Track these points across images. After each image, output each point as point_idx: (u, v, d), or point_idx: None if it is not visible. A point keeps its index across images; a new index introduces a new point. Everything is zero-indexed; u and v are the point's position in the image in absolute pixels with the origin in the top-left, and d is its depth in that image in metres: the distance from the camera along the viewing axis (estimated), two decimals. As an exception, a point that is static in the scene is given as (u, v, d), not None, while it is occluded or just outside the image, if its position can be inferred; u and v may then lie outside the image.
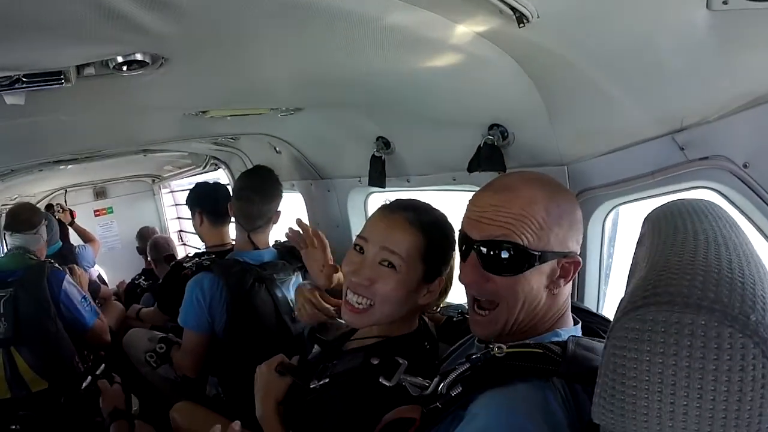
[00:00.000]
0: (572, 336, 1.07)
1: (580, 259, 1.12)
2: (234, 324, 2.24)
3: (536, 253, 1.07)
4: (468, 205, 1.16)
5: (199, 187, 2.87)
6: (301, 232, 2.02)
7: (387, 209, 1.40)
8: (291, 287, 2.35)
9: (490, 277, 1.10)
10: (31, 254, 2.91)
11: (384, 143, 2.04)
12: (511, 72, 1.29)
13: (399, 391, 1.20)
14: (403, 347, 1.37)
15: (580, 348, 0.99)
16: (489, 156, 1.57)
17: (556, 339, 1.07)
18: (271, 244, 2.51)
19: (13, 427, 1.12)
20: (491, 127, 1.57)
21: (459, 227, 1.16)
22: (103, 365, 2.22)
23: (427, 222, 1.36)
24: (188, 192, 2.82)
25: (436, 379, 1.12)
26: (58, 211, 4.28)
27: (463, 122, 1.63)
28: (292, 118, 2.13)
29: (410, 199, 1.43)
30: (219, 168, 4.09)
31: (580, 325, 1.19)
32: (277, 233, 2.58)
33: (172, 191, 5.72)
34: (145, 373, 2.74)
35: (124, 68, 1.16)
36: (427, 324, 1.54)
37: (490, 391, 0.95)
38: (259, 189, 2.38)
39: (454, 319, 1.62)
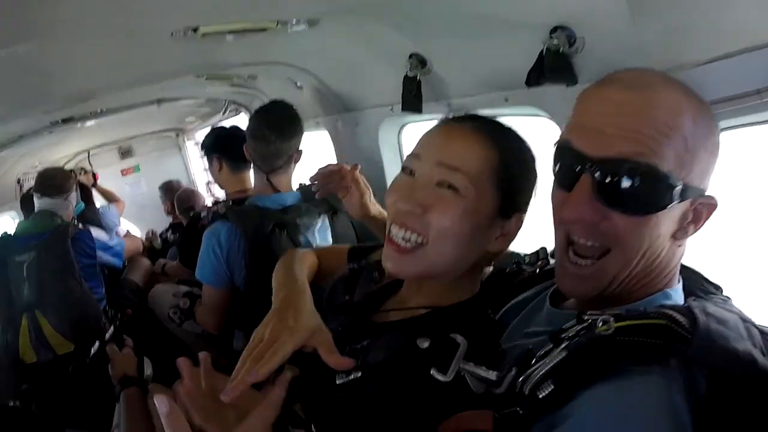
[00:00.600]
0: (693, 300, 0.81)
1: (716, 200, 0.83)
2: (254, 275, 2.07)
3: (678, 185, 0.78)
4: (577, 107, 0.85)
5: (215, 131, 2.73)
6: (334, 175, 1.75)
7: (446, 121, 1.09)
8: (316, 233, 2.16)
9: (608, 215, 0.80)
10: (58, 217, 2.97)
11: (419, 61, 1.75)
12: None
13: (457, 382, 0.89)
14: (461, 319, 1.04)
15: (712, 320, 0.70)
16: (554, 65, 1.25)
17: (668, 302, 0.82)
18: (294, 188, 2.28)
19: (12, 403, 0.97)
20: (554, 30, 1.25)
21: (558, 138, 0.85)
22: (112, 328, 2.08)
23: (501, 134, 1.05)
24: (203, 138, 2.69)
25: (511, 373, 0.82)
26: (80, 174, 4.22)
27: (517, 24, 1.34)
28: (308, 37, 1.86)
29: (476, 113, 1.11)
30: (240, 112, 3.95)
31: (681, 283, 0.91)
32: (300, 175, 2.36)
33: (197, 143, 5.59)
34: (171, 329, 2.64)
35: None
36: (482, 288, 1.19)
37: (597, 387, 0.69)
38: (275, 126, 2.16)
39: (508, 270, 1.24)
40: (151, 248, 4.01)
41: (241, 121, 3.95)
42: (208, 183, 5.26)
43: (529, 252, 1.22)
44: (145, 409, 1.63)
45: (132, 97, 3.13)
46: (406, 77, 1.77)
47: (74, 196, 3.17)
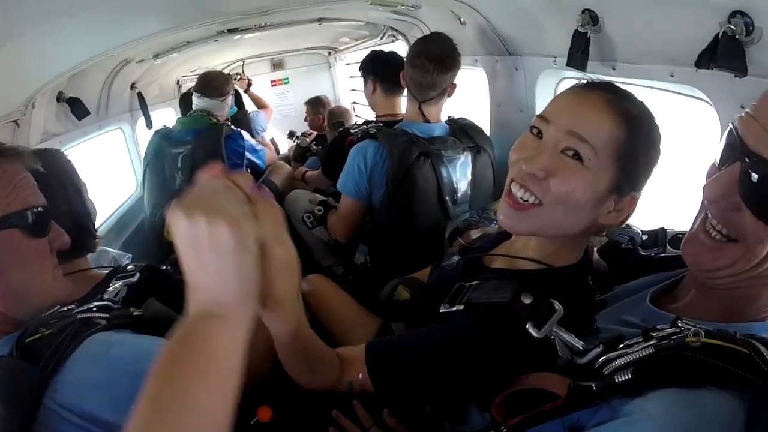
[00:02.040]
0: None
1: None
2: (393, 196, 2.27)
3: None
4: (759, 101, 0.84)
5: (375, 53, 2.89)
6: None
7: (580, 87, 1.12)
8: (458, 167, 2.30)
9: (740, 208, 0.83)
10: (213, 117, 3.26)
11: (591, 17, 1.76)
12: None
13: (544, 344, 0.99)
14: (563, 284, 1.13)
15: None
16: (728, 51, 1.24)
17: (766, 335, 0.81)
18: (444, 120, 2.38)
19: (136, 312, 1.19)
20: (733, 14, 1.23)
21: (736, 119, 0.86)
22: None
23: (633, 112, 1.07)
24: (362, 59, 2.84)
25: (597, 350, 0.90)
26: (236, 79, 4.61)
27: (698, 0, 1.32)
28: None
29: (612, 83, 1.14)
30: (397, 40, 4.03)
31: None
32: (451, 107, 2.46)
33: (347, 64, 5.86)
34: (301, 232, 2.89)
35: None
36: (589, 250, 1.26)
37: (671, 391, 0.73)
38: (434, 56, 2.29)
39: (623, 246, 1.30)
40: (297, 147, 4.29)
41: (397, 48, 4.03)
42: (353, 103, 5.48)
43: (648, 229, 1.27)
44: None
45: (296, 15, 3.31)
46: (576, 32, 1.80)
47: (230, 99, 3.48)
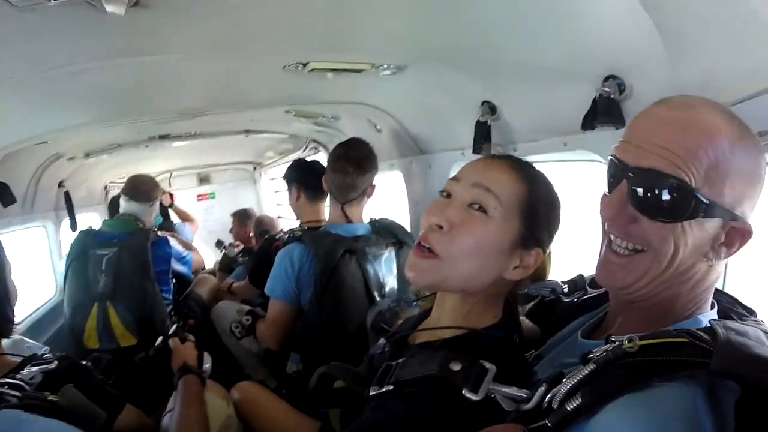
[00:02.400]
0: (712, 320, 0.87)
1: (752, 227, 0.92)
2: (321, 296, 2.25)
3: (705, 201, 0.88)
4: (629, 126, 0.99)
5: (298, 162, 2.99)
6: None
7: (486, 156, 1.27)
8: (383, 263, 2.33)
9: (637, 218, 0.93)
10: (140, 221, 3.23)
11: (490, 108, 1.97)
12: (625, 3, 1.17)
13: (487, 404, 0.98)
14: (489, 345, 1.13)
15: (732, 332, 0.77)
16: (606, 109, 1.43)
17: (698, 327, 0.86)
18: (366, 221, 2.46)
19: (51, 397, 1.14)
20: (606, 78, 1.43)
21: (611, 152, 0.99)
22: (175, 326, 2.23)
23: (533, 173, 1.17)
24: (286, 168, 2.92)
25: (541, 389, 0.89)
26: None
27: (576, 74, 1.52)
28: (394, 81, 2.13)
29: (515, 157, 1.25)
30: (319, 152, 4.23)
31: (716, 308, 1.00)
32: (371, 209, 2.57)
33: (272, 178, 6.02)
34: (230, 345, 2.80)
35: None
36: (513, 309, 1.27)
37: (624, 398, 0.74)
38: (353, 159, 2.39)
39: (546, 299, 1.36)
40: (224, 257, 4.27)
41: (320, 158, 4.21)
42: (279, 217, 5.54)
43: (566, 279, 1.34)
44: (201, 397, 1.75)
45: (225, 125, 3.44)
46: (478, 122, 1.98)
47: (157, 205, 3.44)
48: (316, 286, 2.24)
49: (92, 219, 4.30)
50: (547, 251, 1.20)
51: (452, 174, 2.41)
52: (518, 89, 1.82)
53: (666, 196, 0.88)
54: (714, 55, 1.14)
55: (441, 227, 1.11)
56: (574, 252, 1.57)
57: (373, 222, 2.55)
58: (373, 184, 2.48)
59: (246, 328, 2.54)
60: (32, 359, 1.36)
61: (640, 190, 0.91)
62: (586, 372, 0.81)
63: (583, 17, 1.32)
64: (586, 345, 1.02)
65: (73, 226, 3.65)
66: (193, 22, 1.41)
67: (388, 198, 3.17)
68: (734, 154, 0.88)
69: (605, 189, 1.00)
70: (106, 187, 4.76)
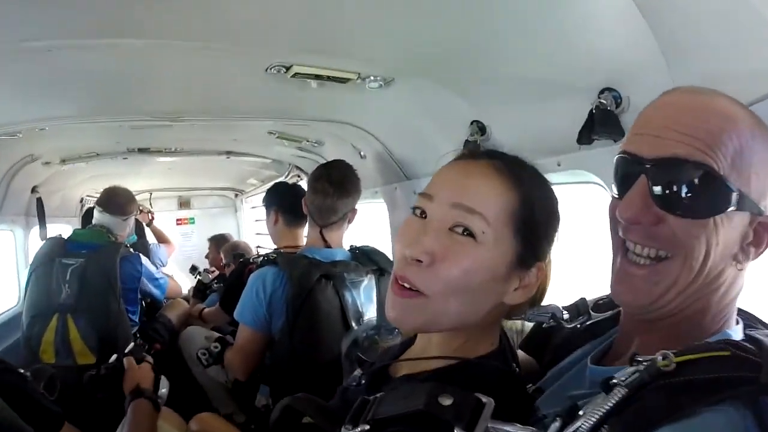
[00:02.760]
0: (748, 331, 0.79)
1: None
2: (294, 322, 2.12)
3: (734, 190, 0.77)
4: (636, 121, 0.86)
5: (278, 184, 2.98)
6: None
7: (464, 156, 1.03)
8: (362, 290, 2.22)
9: (662, 217, 0.80)
10: (112, 235, 3.14)
11: (479, 128, 1.89)
12: (620, 10, 1.10)
13: None
14: (485, 375, 0.98)
15: None
16: (603, 121, 1.32)
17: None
18: (346, 248, 2.37)
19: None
20: (602, 91, 1.35)
21: (620, 150, 0.87)
22: (132, 344, 2.06)
23: (522, 172, 0.98)
24: (268, 191, 2.85)
25: (555, 425, 0.75)
26: (140, 211, 4.45)
27: (568, 88, 1.45)
28: (379, 100, 2.07)
29: (496, 150, 1.06)
30: (301, 180, 4.14)
31: (742, 323, 0.87)
32: (351, 236, 2.49)
33: (253, 207, 5.98)
34: (196, 373, 2.65)
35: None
36: (507, 336, 1.12)
37: (663, 430, 0.63)
38: (335, 180, 2.31)
39: (544, 325, 1.15)
40: (198, 282, 4.16)
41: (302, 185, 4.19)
42: (258, 246, 5.45)
43: (567, 303, 1.18)
44: (152, 425, 1.61)
45: (206, 142, 3.37)
46: (466, 142, 1.90)
47: (132, 221, 3.34)
48: (288, 312, 2.11)
49: (64, 230, 4.18)
50: (547, 260, 1.04)
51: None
52: (509, 106, 1.75)
53: (693, 187, 0.77)
54: (714, 59, 1.06)
55: (420, 261, 0.92)
56: (571, 276, 1.44)
57: (353, 248, 2.44)
58: (355, 208, 2.39)
59: (214, 355, 2.38)
60: None
61: (662, 184, 0.79)
62: (615, 400, 0.68)
63: (577, 28, 1.25)
64: (599, 372, 0.87)
65: (43, 235, 3.53)
66: (172, 6, 1.33)
67: (370, 228, 3.08)
68: (756, 142, 0.78)
69: (614, 192, 0.88)
70: (82, 199, 4.66)
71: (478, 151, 1.05)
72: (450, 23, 1.39)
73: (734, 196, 0.77)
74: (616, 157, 0.87)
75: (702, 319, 0.83)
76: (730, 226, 0.79)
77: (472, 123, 1.88)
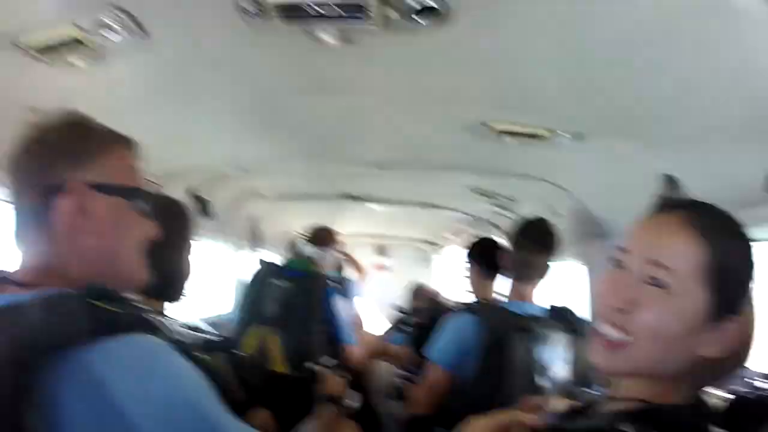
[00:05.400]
0: None
1: None
2: (483, 370, 2.20)
3: None
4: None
5: (484, 240, 3.06)
6: None
7: (657, 209, 1.08)
8: (553, 347, 2.23)
9: None
10: (317, 266, 3.51)
11: (671, 181, 1.89)
12: None
13: None
14: (676, 423, 1.00)
15: None
16: None
17: None
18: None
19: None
20: None
21: None
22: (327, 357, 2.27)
23: (714, 225, 0.99)
24: (472, 244, 3.00)
25: None
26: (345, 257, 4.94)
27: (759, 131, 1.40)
28: (572, 157, 2.16)
29: (691, 199, 1.10)
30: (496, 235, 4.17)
31: None
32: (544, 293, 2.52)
33: (448, 260, 6.13)
34: (377, 403, 2.78)
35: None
36: (704, 402, 1.11)
37: None
38: (537, 238, 2.38)
39: (744, 396, 1.19)
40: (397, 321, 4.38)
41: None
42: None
43: None
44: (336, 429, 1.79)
45: (404, 192, 3.70)
46: (660, 196, 1.83)
47: (333, 254, 3.71)
48: (481, 359, 2.20)
49: (273, 257, 4.80)
50: (750, 313, 1.04)
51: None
52: (697, 158, 1.73)
53: None
54: None
55: (621, 309, 1.01)
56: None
57: (551, 307, 2.45)
58: (550, 264, 2.43)
59: (399, 392, 2.54)
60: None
61: None
62: None
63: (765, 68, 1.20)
64: None
65: (257, 258, 3.99)
66: (382, 69, 1.58)
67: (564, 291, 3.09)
68: None
69: None
70: (291, 233, 5.18)
71: (671, 202, 1.07)
72: (639, 81, 1.42)
73: None
74: None
75: None
76: None
77: (664, 176, 1.87)
